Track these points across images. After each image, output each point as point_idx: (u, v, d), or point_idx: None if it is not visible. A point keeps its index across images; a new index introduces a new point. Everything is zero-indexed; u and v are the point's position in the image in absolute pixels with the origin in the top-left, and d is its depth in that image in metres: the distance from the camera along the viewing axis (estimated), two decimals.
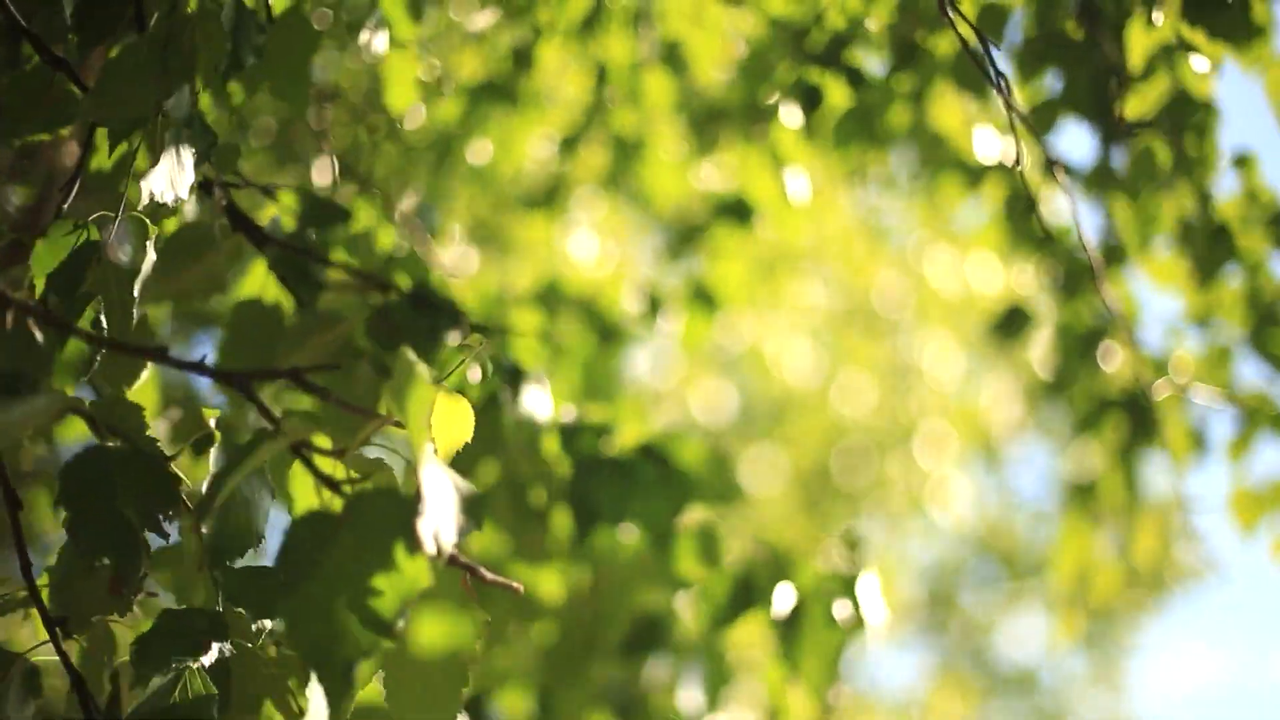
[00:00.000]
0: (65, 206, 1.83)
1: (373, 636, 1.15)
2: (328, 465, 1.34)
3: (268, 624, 1.43)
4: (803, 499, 5.96)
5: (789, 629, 2.42)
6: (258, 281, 2.27)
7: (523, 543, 2.39)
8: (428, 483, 1.18)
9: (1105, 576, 5.78)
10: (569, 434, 2.42)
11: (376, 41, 2.31)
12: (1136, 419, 2.78)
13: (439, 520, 1.19)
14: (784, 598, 2.49)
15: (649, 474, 2.37)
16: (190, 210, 2.30)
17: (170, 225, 2.17)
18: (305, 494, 1.34)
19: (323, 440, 1.33)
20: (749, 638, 2.76)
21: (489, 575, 1.28)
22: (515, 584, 1.28)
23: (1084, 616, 6.77)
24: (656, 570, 2.48)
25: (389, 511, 1.20)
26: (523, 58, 2.56)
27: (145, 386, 2.63)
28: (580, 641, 2.55)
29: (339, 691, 1.14)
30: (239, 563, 1.49)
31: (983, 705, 7.81)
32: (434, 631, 1.30)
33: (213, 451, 1.35)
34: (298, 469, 1.38)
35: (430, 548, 1.17)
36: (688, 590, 2.53)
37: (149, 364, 2.14)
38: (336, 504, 1.24)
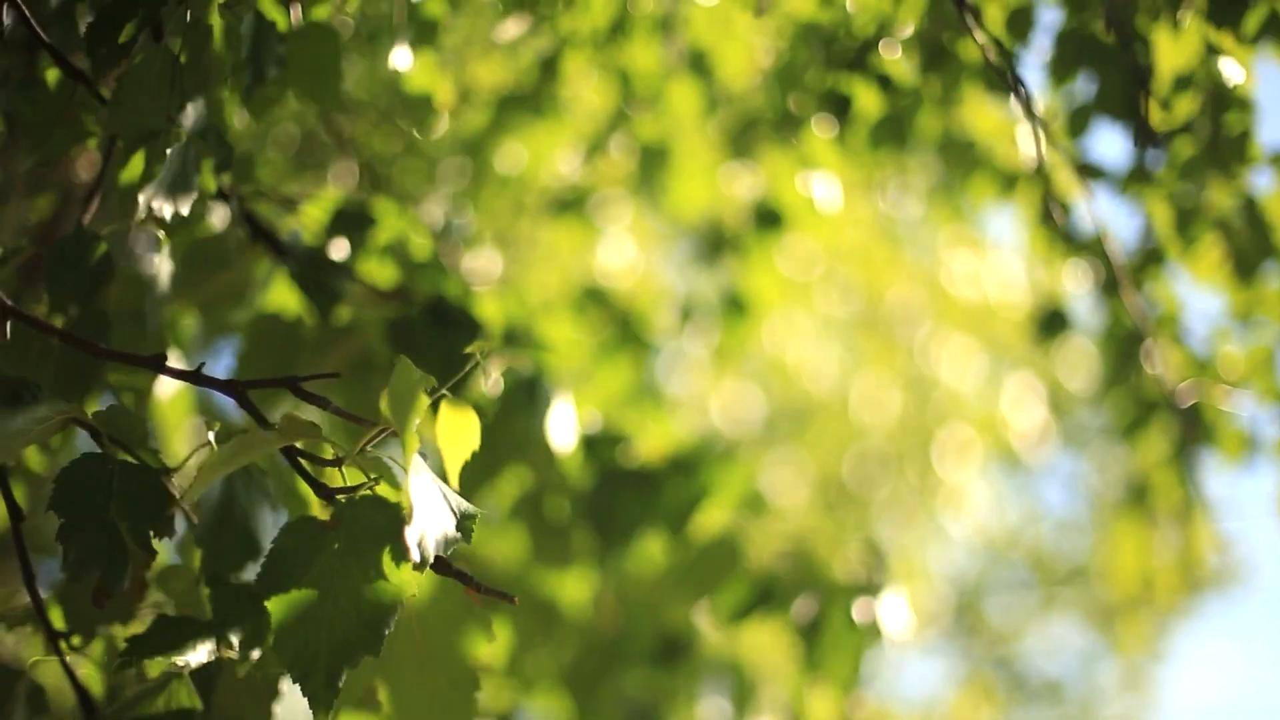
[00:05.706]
0: (85, 220, 1.83)
1: (357, 646, 1.13)
2: (328, 475, 1.32)
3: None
4: (825, 506, 5.94)
5: (811, 633, 2.39)
6: (279, 293, 2.26)
7: (546, 553, 2.37)
8: (416, 492, 1.17)
9: (1164, 580, 5.69)
10: (592, 445, 2.40)
11: (400, 52, 2.30)
12: (1185, 421, 2.73)
13: (427, 530, 1.17)
14: (806, 602, 2.46)
15: (670, 483, 2.35)
16: (219, 221, 2.29)
17: (191, 237, 2.16)
18: (306, 507, 1.32)
19: (322, 449, 1.31)
20: (771, 645, 2.72)
21: (483, 586, 1.26)
22: (510, 596, 1.26)
23: (1143, 622, 6.69)
24: (679, 578, 2.45)
25: (378, 520, 1.18)
26: (548, 66, 2.54)
27: (175, 401, 2.63)
28: (604, 651, 2.53)
29: (323, 701, 1.12)
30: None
31: (1008, 713, 7.74)
32: (438, 642, 1.28)
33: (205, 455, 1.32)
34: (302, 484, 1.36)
35: (416, 556, 1.15)
36: (710, 597, 2.50)
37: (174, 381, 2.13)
38: (328, 512, 1.22)
